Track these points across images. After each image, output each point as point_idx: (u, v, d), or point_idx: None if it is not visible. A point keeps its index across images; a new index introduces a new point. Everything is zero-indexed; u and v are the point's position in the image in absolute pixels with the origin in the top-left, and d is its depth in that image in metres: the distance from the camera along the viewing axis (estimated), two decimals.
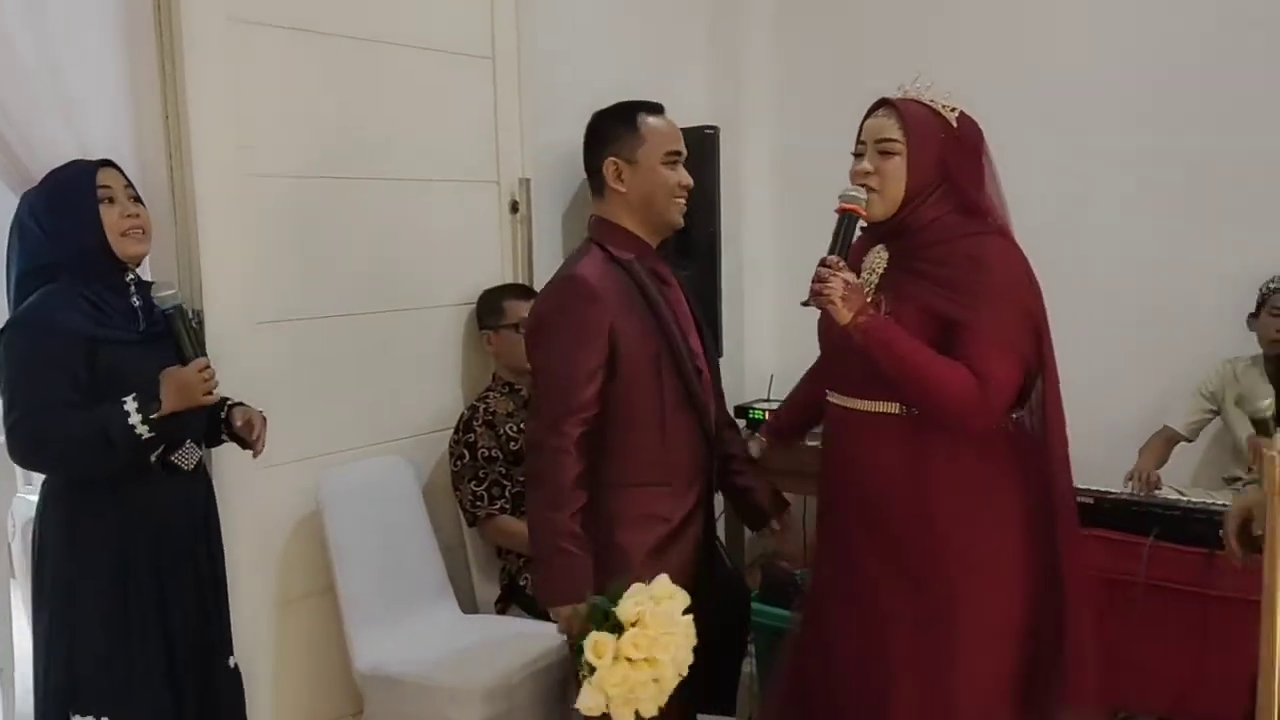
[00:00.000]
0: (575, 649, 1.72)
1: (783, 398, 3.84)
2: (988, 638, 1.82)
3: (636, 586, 1.71)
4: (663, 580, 1.72)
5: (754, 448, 2.23)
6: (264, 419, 2.15)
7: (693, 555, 2.00)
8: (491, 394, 2.82)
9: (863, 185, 1.83)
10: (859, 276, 1.85)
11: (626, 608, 1.68)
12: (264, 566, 2.51)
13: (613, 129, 1.99)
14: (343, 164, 2.65)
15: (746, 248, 3.84)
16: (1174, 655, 2.49)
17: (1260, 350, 2.98)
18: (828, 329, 1.91)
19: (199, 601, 2.08)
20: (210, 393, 1.98)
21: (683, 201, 1.97)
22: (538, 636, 2.50)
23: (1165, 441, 3.07)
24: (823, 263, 1.79)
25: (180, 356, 1.97)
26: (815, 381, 2.15)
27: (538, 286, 3.05)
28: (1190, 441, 3.11)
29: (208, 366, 1.98)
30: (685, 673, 1.71)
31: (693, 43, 3.72)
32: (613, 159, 1.97)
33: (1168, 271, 3.20)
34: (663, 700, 1.69)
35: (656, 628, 1.67)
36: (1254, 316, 2.97)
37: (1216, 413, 3.06)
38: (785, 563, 2.95)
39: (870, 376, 1.82)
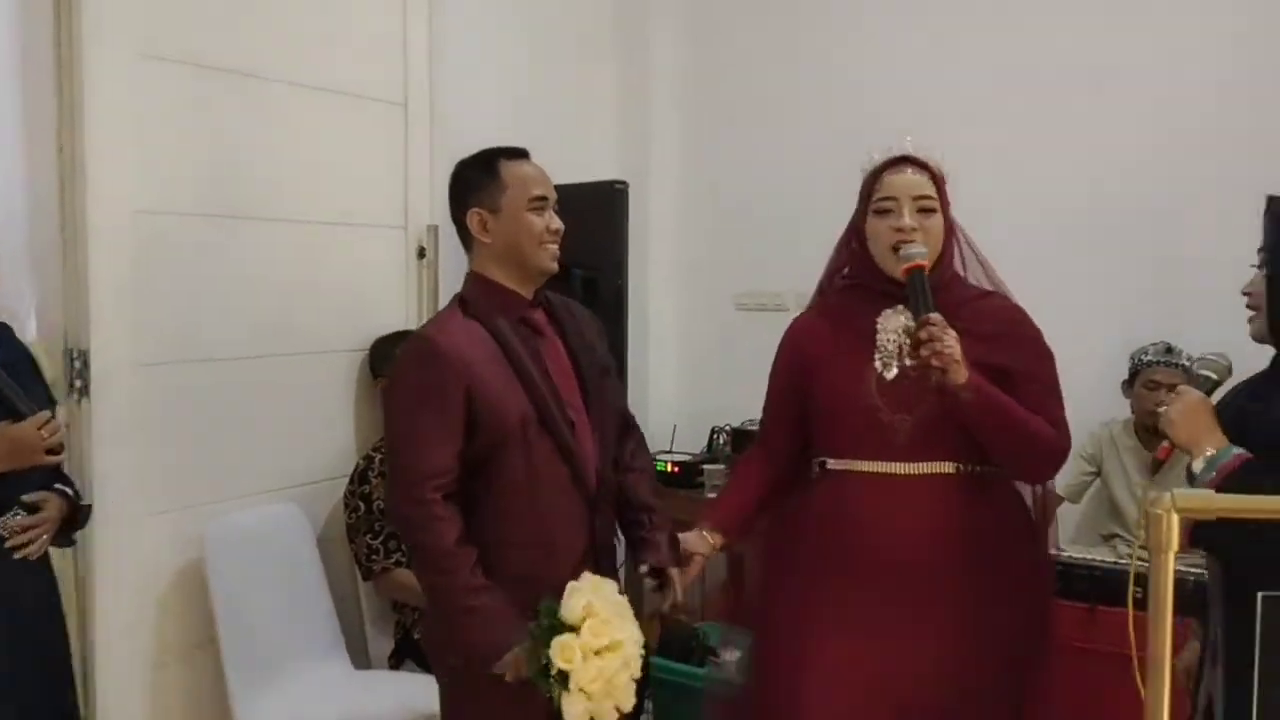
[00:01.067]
0: (535, 678, 1.66)
1: (688, 450, 3.79)
2: (1008, 703, 1.85)
3: (570, 586, 1.68)
4: (585, 575, 1.71)
5: (702, 545, 1.97)
6: (59, 512, 1.93)
7: None
8: None
9: (909, 242, 1.81)
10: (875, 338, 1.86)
11: (572, 606, 1.66)
12: (141, 620, 2.39)
13: (474, 179, 1.89)
14: (245, 204, 2.59)
15: (652, 302, 3.88)
16: (1058, 710, 2.57)
17: (1132, 416, 3.13)
18: (854, 393, 1.83)
19: (34, 671, 1.92)
20: (54, 451, 1.82)
21: (554, 247, 1.87)
22: (433, 693, 2.44)
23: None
24: (928, 321, 1.72)
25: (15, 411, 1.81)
26: (769, 468, 2.02)
27: None
28: (1074, 503, 3.24)
29: (49, 421, 1.81)
30: (644, 651, 1.71)
31: (602, 97, 3.78)
32: (475, 210, 1.86)
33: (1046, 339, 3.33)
34: (632, 689, 1.68)
35: (606, 611, 1.66)
36: (1128, 385, 3.12)
37: (1097, 474, 3.19)
38: (684, 617, 2.95)
39: (920, 438, 1.80)
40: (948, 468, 1.81)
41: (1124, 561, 2.85)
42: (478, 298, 1.87)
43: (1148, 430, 3.07)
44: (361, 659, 2.72)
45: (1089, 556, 2.81)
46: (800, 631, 1.85)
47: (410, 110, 2.97)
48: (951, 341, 1.70)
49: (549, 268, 1.88)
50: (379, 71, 2.91)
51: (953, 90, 3.41)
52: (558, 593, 1.76)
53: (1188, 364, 3.01)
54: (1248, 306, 1.72)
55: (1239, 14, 3.07)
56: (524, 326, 1.88)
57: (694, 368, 3.91)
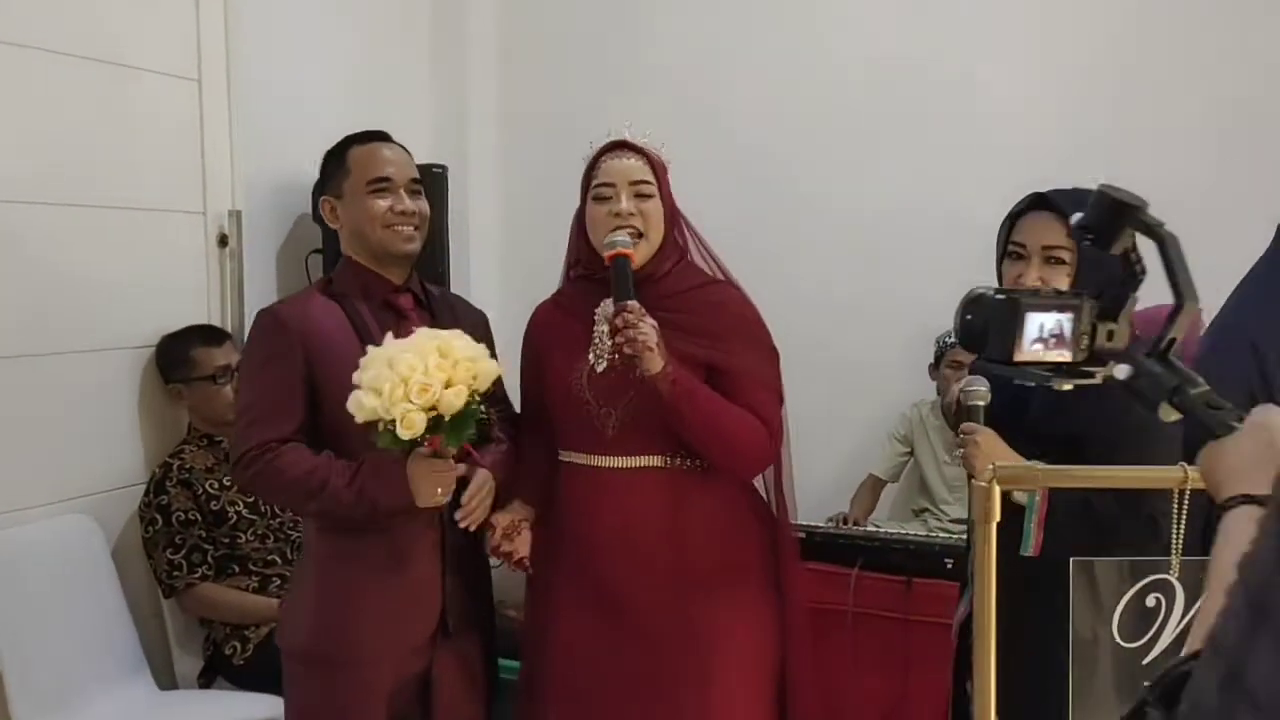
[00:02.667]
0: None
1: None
2: (751, 672, 1.86)
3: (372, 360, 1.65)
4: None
5: (522, 511, 1.93)
6: None
7: (421, 604, 1.84)
8: (188, 448, 2.56)
9: (627, 228, 1.79)
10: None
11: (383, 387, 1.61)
12: None
13: (327, 167, 1.93)
14: (13, 187, 2.33)
15: (475, 289, 3.78)
16: (879, 677, 2.68)
17: (939, 397, 3.30)
18: (568, 385, 1.84)
19: None
20: None
21: (404, 228, 1.85)
22: (241, 712, 2.30)
23: (872, 488, 3.32)
24: (625, 309, 1.71)
25: None
26: (537, 453, 1.98)
27: (249, 325, 2.85)
28: (894, 483, 3.38)
29: None
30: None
31: (417, 78, 3.63)
32: (325, 198, 1.91)
33: (857, 328, 3.44)
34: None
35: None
36: (934, 367, 3.28)
37: (910, 453, 3.34)
38: (513, 612, 2.88)
39: (627, 432, 1.80)
40: (656, 461, 1.82)
41: (935, 535, 3.01)
42: (341, 279, 1.90)
43: (955, 407, 3.24)
44: (167, 679, 2.53)
45: (904, 532, 2.94)
46: (547, 614, 1.90)
47: (205, 86, 2.75)
48: (647, 329, 1.70)
49: (398, 249, 1.87)
50: (169, 45, 2.68)
51: (777, 81, 3.47)
52: (410, 592, 1.80)
53: None
54: None
55: None
56: (387, 310, 1.87)
57: (516, 355, 3.84)
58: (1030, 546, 1.23)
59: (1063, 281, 1.60)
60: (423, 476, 1.70)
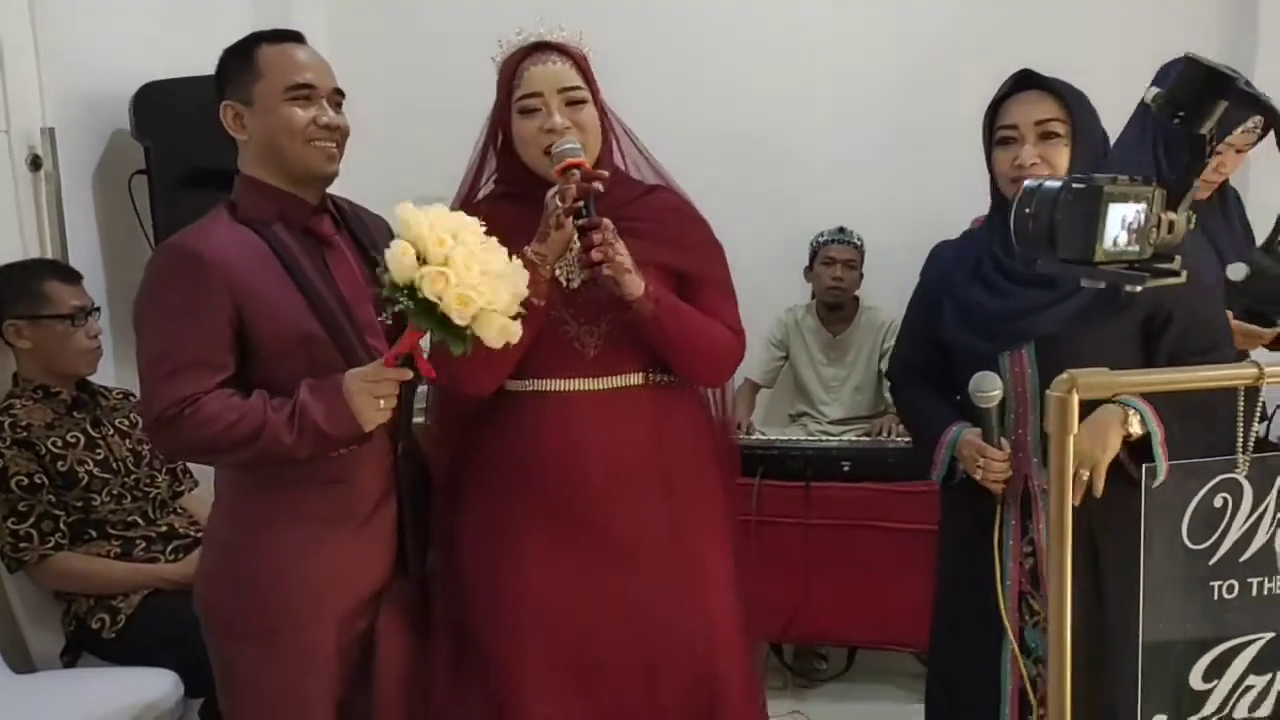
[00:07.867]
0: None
1: None
2: (729, 585, 1.80)
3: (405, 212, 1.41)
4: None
5: None
6: None
7: (379, 558, 1.69)
8: (17, 403, 2.21)
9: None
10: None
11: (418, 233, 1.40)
12: None
13: (228, 67, 1.65)
14: None
15: None
16: (783, 582, 2.71)
17: (813, 299, 3.33)
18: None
19: None
20: None
21: (326, 144, 1.62)
22: (123, 689, 2.07)
23: (749, 393, 3.33)
24: (592, 226, 1.55)
25: None
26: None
27: (72, 258, 2.50)
28: (770, 388, 3.40)
29: None
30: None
31: None
32: (228, 103, 1.63)
33: (730, 235, 3.41)
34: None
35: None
36: (809, 269, 3.31)
37: (786, 358, 3.36)
38: None
39: (610, 350, 1.68)
40: (636, 379, 1.73)
41: (821, 439, 3.07)
42: (248, 202, 1.63)
43: (826, 306, 3.29)
44: (22, 661, 2.24)
45: (795, 438, 2.99)
46: (510, 559, 1.72)
47: None
48: (624, 250, 1.59)
49: (320, 169, 1.63)
50: None
51: None
52: (366, 537, 1.64)
53: (859, 243, 3.25)
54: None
55: None
56: (308, 237, 1.63)
57: None
58: (1162, 472, 1.19)
59: (1064, 157, 1.53)
60: (358, 391, 1.51)
